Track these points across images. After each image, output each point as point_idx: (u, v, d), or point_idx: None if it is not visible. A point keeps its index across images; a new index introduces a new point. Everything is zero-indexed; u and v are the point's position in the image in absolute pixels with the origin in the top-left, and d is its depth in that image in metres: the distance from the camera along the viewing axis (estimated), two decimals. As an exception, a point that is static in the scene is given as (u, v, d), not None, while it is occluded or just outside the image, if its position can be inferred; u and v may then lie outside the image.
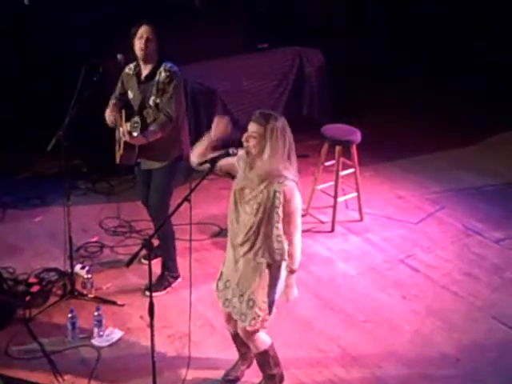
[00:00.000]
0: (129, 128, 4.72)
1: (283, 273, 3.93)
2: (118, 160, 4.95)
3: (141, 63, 4.86)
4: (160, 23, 4.87)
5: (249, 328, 3.92)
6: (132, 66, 4.92)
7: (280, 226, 3.79)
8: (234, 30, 7.49)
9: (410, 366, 4.50)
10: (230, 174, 3.97)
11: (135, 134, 4.69)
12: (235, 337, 4.20)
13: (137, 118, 4.77)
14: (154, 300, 3.70)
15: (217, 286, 4.08)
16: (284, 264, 3.90)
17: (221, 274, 4.07)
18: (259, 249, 3.82)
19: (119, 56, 4.89)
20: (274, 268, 3.87)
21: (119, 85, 5.01)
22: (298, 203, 3.78)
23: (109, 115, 4.84)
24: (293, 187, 3.74)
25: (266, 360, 4.13)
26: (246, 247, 3.84)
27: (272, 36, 7.83)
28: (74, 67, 4.84)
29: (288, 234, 3.82)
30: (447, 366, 4.51)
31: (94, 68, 4.75)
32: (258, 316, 3.88)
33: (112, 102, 4.93)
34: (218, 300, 4.09)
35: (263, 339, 4.05)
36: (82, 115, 4.73)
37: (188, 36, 6.86)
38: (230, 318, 4.11)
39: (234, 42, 7.39)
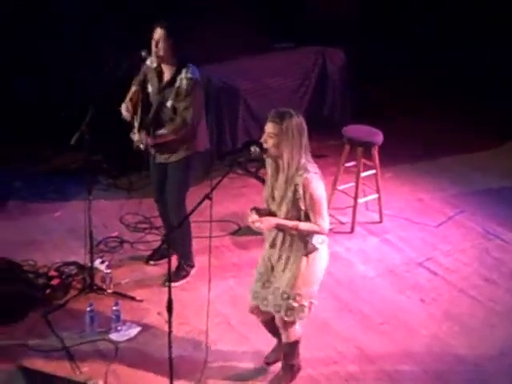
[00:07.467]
0: (136, 138, 4.92)
1: (322, 262, 3.99)
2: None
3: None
4: (182, 23, 4.89)
5: (286, 318, 3.99)
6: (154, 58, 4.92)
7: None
8: (258, 29, 7.49)
9: (426, 369, 4.49)
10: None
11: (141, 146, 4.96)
12: (265, 324, 4.27)
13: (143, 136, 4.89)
14: (172, 296, 3.72)
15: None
16: (322, 254, 3.97)
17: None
18: (292, 242, 3.90)
19: (143, 52, 4.91)
20: (310, 259, 3.93)
21: (141, 73, 5.02)
22: (318, 194, 3.79)
23: (125, 110, 4.92)
24: (311, 179, 3.76)
25: (293, 350, 4.21)
26: (278, 242, 3.93)
27: (295, 35, 7.82)
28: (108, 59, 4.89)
29: (314, 224, 3.84)
30: (464, 371, 4.49)
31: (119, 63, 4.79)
32: (293, 308, 3.95)
33: (134, 89, 4.99)
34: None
35: (296, 330, 4.12)
36: (105, 111, 4.77)
37: (213, 35, 6.87)
38: (256, 310, 4.18)
39: (258, 41, 7.39)
